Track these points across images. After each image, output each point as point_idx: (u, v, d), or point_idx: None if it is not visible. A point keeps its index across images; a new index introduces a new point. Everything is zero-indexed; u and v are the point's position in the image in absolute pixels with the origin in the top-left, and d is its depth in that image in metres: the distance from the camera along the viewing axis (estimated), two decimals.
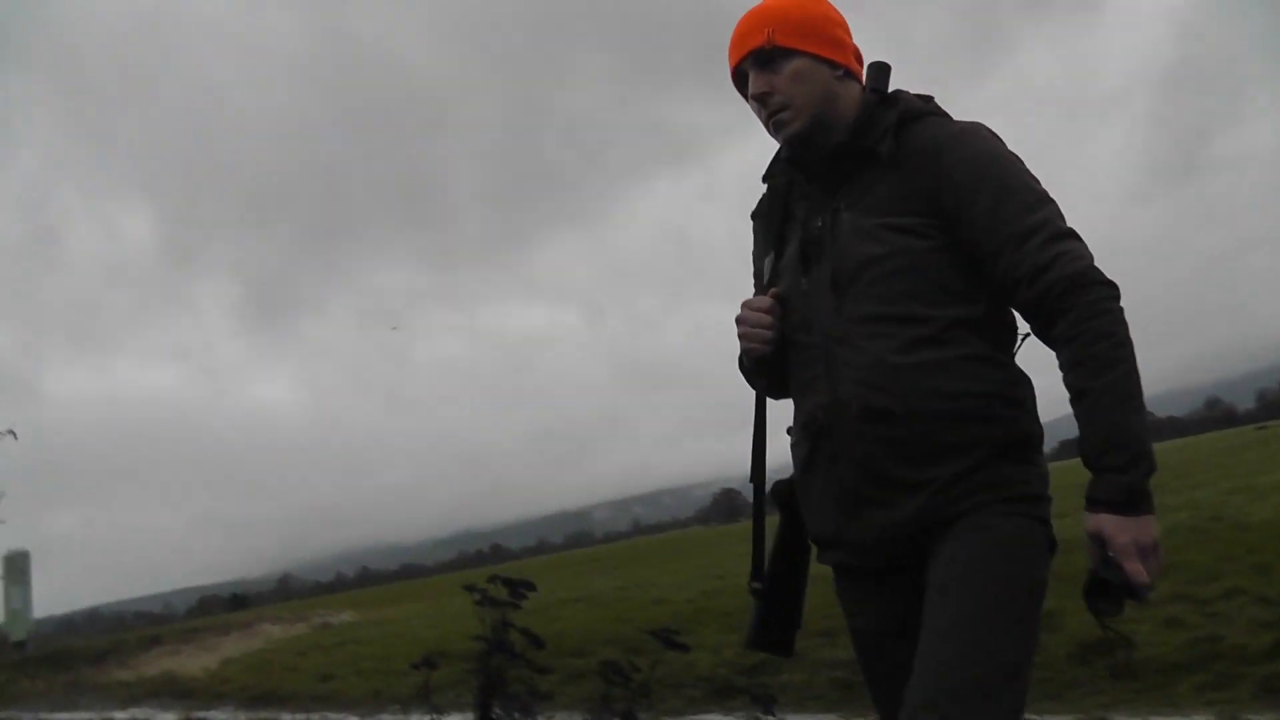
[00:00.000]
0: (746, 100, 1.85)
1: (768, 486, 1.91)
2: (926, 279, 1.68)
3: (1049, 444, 1.77)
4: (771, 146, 1.89)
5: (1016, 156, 1.73)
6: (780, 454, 1.95)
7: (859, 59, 1.85)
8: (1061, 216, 1.67)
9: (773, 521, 1.89)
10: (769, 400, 1.93)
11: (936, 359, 1.65)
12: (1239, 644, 5.02)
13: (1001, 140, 1.76)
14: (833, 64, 1.79)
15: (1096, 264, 1.62)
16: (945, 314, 1.67)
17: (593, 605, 10.83)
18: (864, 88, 1.83)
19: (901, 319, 1.67)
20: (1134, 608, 1.59)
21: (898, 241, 1.69)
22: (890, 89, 1.82)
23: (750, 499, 1.94)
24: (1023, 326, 1.73)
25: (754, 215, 1.98)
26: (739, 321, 1.86)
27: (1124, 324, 1.59)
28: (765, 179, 1.95)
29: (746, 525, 1.93)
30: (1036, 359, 1.73)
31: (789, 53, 1.77)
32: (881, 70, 1.84)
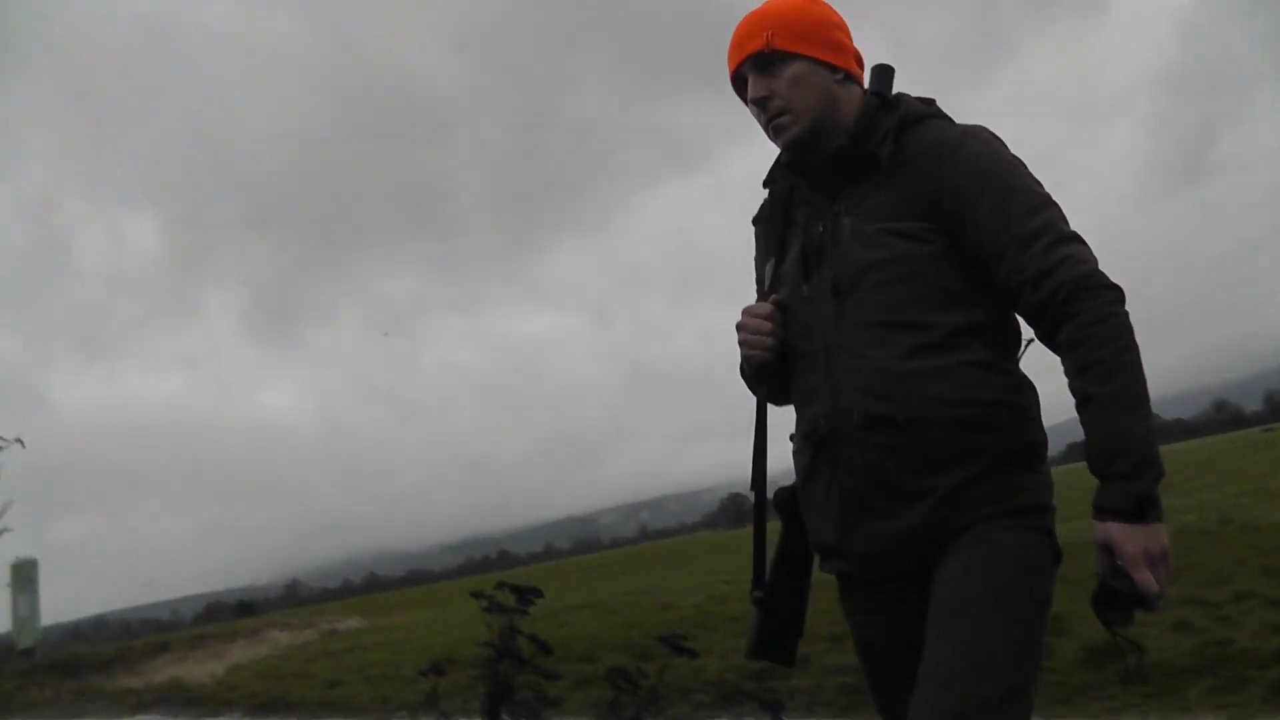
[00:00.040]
0: (746, 104, 1.84)
1: (769, 493, 1.89)
2: (928, 284, 1.66)
3: (1056, 447, 1.76)
4: (774, 151, 1.88)
5: (1019, 159, 1.72)
6: (783, 461, 1.94)
7: (859, 62, 1.84)
8: (1065, 220, 1.66)
9: (775, 528, 1.87)
10: (770, 407, 1.91)
11: (939, 366, 1.64)
12: (1249, 648, 4.98)
13: (1003, 143, 1.74)
14: (833, 67, 1.78)
15: (1101, 267, 1.61)
16: (948, 320, 1.66)
17: (600, 611, 10.80)
18: (865, 91, 1.82)
19: (903, 325, 1.66)
20: (1143, 612, 1.57)
21: (899, 247, 1.67)
22: (894, 92, 1.81)
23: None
24: (1027, 332, 1.71)
25: (755, 220, 1.96)
26: (739, 328, 1.84)
27: (1129, 328, 1.58)
28: (766, 184, 1.94)
29: (751, 531, 1.92)
30: (1041, 363, 1.71)
31: (788, 56, 1.76)
32: (885, 73, 1.82)
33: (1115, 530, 1.51)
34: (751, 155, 1.91)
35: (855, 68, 1.82)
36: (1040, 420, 1.71)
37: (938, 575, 1.63)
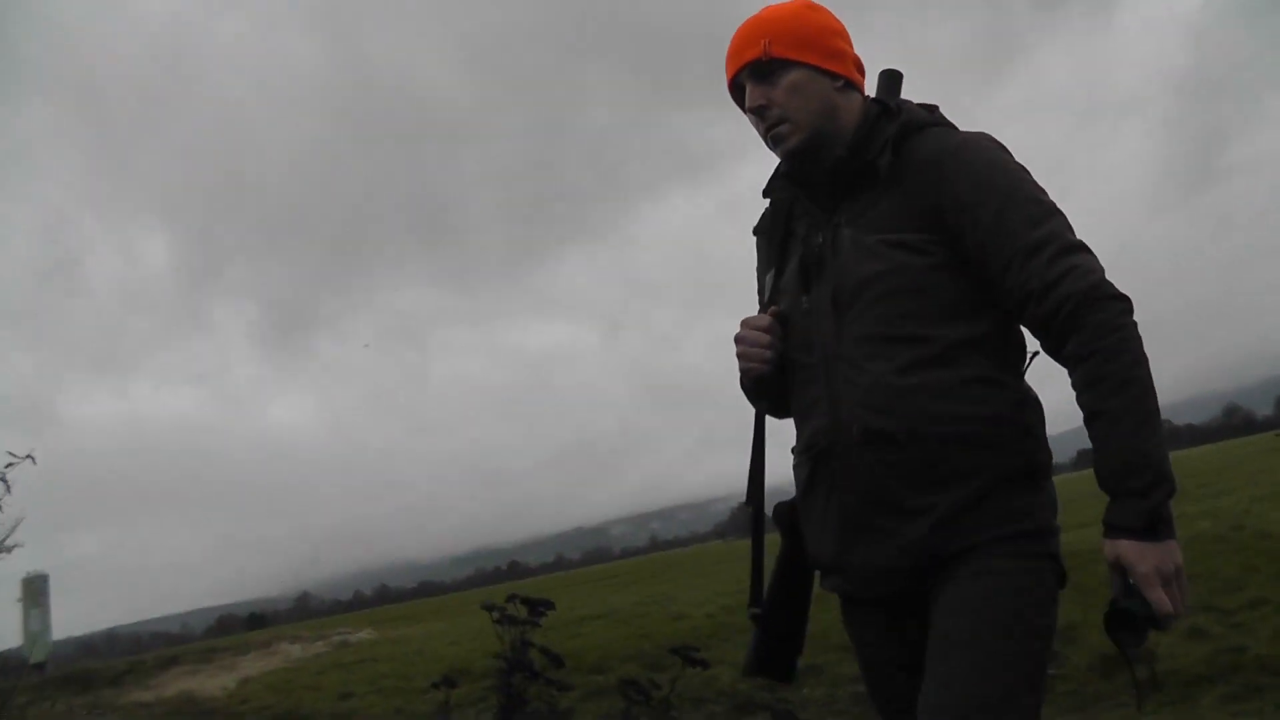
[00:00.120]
0: (745, 113, 1.79)
1: (769, 507, 1.85)
2: (929, 297, 1.63)
3: (1067, 454, 1.73)
4: (775, 160, 1.84)
5: (1022, 167, 1.68)
6: (783, 474, 1.91)
7: (860, 69, 1.80)
8: (1070, 229, 1.61)
9: (774, 542, 1.83)
10: (770, 420, 1.87)
11: (939, 380, 1.60)
12: (1263, 655, 4.96)
13: (1007, 150, 1.70)
14: (832, 75, 1.74)
15: (1108, 277, 1.56)
16: (949, 333, 1.62)
17: (612, 622, 10.77)
18: (866, 98, 1.78)
19: (903, 338, 1.62)
20: (1157, 633, 1.53)
21: (899, 258, 1.64)
22: (901, 98, 1.77)
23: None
24: (1032, 344, 1.67)
25: (756, 231, 1.92)
26: (738, 341, 1.81)
27: (1138, 340, 1.54)
28: (766, 194, 1.90)
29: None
30: (1046, 368, 1.67)
31: (786, 64, 1.72)
32: (892, 79, 1.79)
33: (1127, 549, 1.47)
34: (763, 165, 1.90)
35: (855, 75, 1.78)
36: (1044, 438, 1.67)
37: (938, 605, 1.60)
